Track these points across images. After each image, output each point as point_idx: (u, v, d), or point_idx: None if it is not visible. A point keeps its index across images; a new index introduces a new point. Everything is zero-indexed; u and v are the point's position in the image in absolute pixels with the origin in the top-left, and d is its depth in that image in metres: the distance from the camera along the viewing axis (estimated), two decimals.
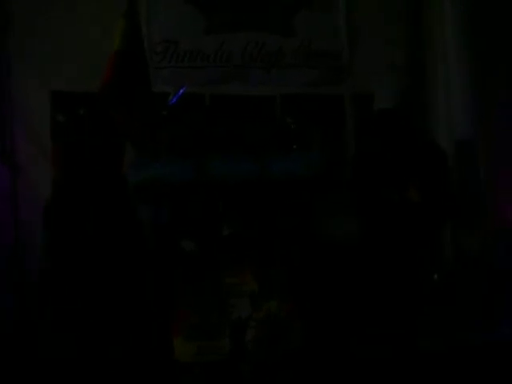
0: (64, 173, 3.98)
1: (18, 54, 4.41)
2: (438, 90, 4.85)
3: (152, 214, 3.64)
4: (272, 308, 3.64)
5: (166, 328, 3.55)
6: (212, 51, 4.65)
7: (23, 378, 3.73)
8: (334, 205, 4.40)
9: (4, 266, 4.27)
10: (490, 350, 3.76)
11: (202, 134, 3.86)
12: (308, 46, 4.78)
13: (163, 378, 3.54)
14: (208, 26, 4.68)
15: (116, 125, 3.80)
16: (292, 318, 3.65)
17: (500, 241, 4.56)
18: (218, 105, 4.59)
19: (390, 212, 4.01)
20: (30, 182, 4.38)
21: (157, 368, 3.56)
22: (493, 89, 4.71)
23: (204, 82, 4.62)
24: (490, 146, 4.65)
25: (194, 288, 3.59)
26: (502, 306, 4.23)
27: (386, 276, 4.00)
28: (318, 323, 3.71)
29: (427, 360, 3.70)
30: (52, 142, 4.37)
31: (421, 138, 4.28)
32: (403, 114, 4.13)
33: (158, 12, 4.60)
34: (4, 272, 4.26)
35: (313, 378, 3.59)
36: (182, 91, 3.89)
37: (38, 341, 3.98)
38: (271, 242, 3.69)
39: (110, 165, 3.91)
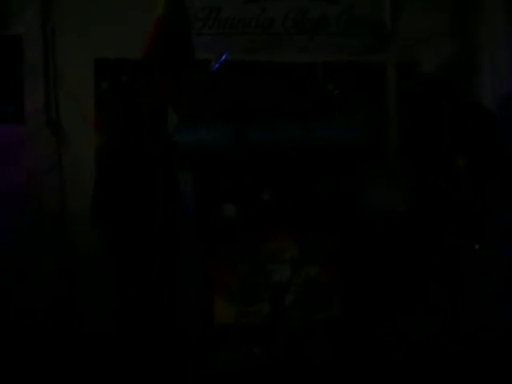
0: (107, 139, 4.03)
1: (62, 23, 4.47)
2: (484, 53, 4.76)
3: (193, 178, 3.67)
4: (312, 273, 3.63)
5: (207, 290, 3.59)
6: (254, 18, 4.66)
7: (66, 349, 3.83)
8: (377, 173, 4.37)
9: (50, 240, 4.34)
10: None
11: (243, 101, 3.87)
12: (351, 13, 4.75)
13: (203, 339, 3.58)
14: None
15: (159, 91, 3.83)
16: (332, 285, 3.64)
17: None
18: (259, 71, 4.61)
19: (439, 182, 3.97)
20: (75, 151, 4.45)
21: (197, 329, 3.61)
22: None
23: (246, 49, 4.64)
24: None
25: (234, 252, 3.61)
26: None
27: (430, 246, 3.96)
28: (359, 293, 3.69)
29: (468, 335, 3.67)
30: (96, 110, 4.43)
31: (469, 103, 4.21)
32: (448, 79, 4.06)
33: None
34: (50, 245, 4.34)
35: (349, 346, 3.59)
36: (223, 58, 3.88)
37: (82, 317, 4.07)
38: (312, 208, 3.67)
39: (153, 131, 3.95)
